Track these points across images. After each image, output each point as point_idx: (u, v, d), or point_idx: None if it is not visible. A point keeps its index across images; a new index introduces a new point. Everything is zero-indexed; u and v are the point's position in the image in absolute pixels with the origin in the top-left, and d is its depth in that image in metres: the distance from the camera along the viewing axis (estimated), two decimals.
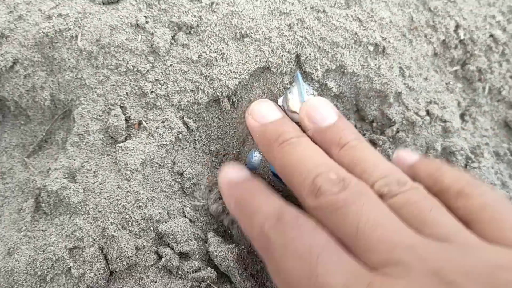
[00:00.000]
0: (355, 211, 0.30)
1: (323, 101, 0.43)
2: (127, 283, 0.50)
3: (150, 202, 0.50)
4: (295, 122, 0.45)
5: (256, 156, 0.53)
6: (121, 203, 0.50)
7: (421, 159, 0.42)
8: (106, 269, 0.49)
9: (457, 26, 0.64)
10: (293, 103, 0.48)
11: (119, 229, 0.49)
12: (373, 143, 0.59)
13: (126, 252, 0.48)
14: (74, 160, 0.54)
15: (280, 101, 0.52)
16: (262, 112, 0.42)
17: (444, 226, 0.31)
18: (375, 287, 0.27)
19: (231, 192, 0.39)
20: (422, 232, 0.31)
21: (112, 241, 0.48)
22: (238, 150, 0.58)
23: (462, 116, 0.66)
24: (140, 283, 0.49)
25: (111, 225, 0.48)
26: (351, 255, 0.30)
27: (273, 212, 0.33)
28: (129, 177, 0.51)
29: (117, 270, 0.49)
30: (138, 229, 0.49)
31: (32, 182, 0.54)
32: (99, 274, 0.48)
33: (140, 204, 0.50)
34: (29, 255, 0.50)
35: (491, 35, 0.66)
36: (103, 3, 0.57)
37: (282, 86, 0.55)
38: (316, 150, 0.38)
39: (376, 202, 0.32)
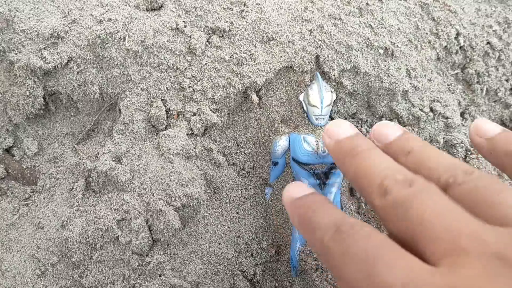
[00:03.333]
0: (420, 204, 0.31)
1: (388, 122, 0.44)
2: (165, 252, 0.57)
3: (190, 181, 0.58)
4: (315, 116, 0.59)
5: (279, 145, 0.61)
6: (165, 181, 0.57)
7: (503, 133, 0.40)
8: (150, 238, 0.56)
9: (458, 34, 0.72)
10: (313, 98, 0.60)
11: (165, 204, 0.56)
12: None
13: (173, 225, 0.55)
14: (120, 145, 0.61)
15: (301, 97, 0.62)
16: (337, 131, 0.43)
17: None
18: (437, 279, 0.27)
19: (294, 209, 0.40)
20: (490, 216, 0.31)
21: (159, 214, 0.55)
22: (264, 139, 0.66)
23: (462, 114, 0.73)
24: (172, 254, 0.57)
25: (159, 200, 0.56)
26: (412, 253, 0.30)
27: (331, 224, 0.34)
28: (172, 159, 0.58)
29: (161, 239, 0.56)
30: (180, 204, 0.56)
31: (83, 165, 0.61)
32: (143, 242, 0.55)
33: (183, 182, 0.57)
34: (82, 227, 0.57)
35: (488, 42, 0.74)
36: (147, 10, 0.65)
37: (303, 83, 0.63)
38: (385, 158, 0.39)
39: (440, 195, 0.33)
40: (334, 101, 0.62)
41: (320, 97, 0.59)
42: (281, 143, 0.60)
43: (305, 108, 0.61)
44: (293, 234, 0.61)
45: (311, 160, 0.58)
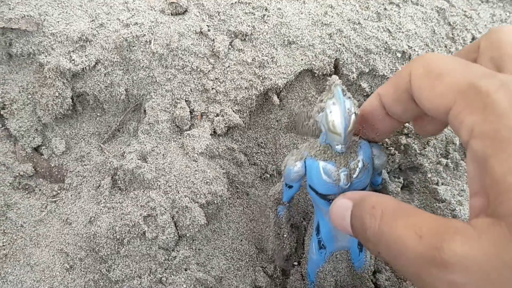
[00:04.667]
0: None
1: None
2: (190, 247, 0.59)
3: (214, 179, 0.60)
4: (336, 142, 0.46)
5: (295, 173, 0.51)
6: (190, 179, 0.59)
7: None
8: (176, 234, 0.58)
9: (473, 38, 0.74)
10: (334, 124, 0.44)
11: (191, 201, 0.58)
12: (400, 135, 0.68)
13: (199, 221, 0.57)
14: (145, 145, 0.63)
15: (318, 117, 0.47)
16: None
17: None
18: None
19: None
20: None
21: (185, 210, 0.57)
22: (280, 142, 0.68)
23: None
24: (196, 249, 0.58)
25: (184, 197, 0.58)
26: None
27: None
28: (196, 158, 0.60)
29: (187, 235, 0.58)
30: (205, 201, 0.58)
31: (109, 163, 0.64)
32: (170, 237, 0.57)
33: (207, 180, 0.59)
34: (109, 222, 0.59)
35: None
36: (172, 14, 0.67)
37: (323, 87, 0.65)
38: None
39: None
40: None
41: (342, 123, 0.44)
42: (297, 171, 0.50)
43: (323, 130, 0.47)
44: (310, 255, 0.58)
45: (330, 191, 0.48)
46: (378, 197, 0.38)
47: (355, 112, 0.44)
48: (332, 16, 0.67)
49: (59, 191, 0.67)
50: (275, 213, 0.59)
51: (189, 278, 0.57)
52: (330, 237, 0.55)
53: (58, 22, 0.66)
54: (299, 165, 0.50)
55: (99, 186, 0.64)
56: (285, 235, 0.60)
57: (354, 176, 0.47)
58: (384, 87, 0.43)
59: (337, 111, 0.44)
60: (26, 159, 0.67)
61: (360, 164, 0.47)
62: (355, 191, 0.44)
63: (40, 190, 0.68)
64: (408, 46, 0.68)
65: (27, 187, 0.67)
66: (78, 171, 0.67)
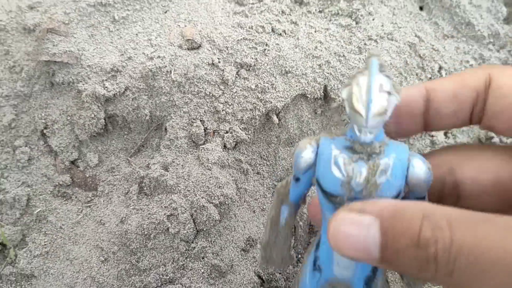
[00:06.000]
0: None
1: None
2: (207, 239, 0.71)
3: (225, 184, 0.72)
4: (358, 126, 0.34)
5: (302, 158, 0.39)
6: (205, 184, 0.72)
7: None
8: (195, 229, 0.70)
9: (440, 68, 0.88)
10: (357, 99, 0.33)
11: (206, 202, 0.70)
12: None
13: (213, 217, 0.69)
14: (167, 157, 0.76)
15: (344, 93, 0.35)
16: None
17: None
18: None
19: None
20: None
21: (202, 209, 0.70)
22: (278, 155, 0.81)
23: (445, 133, 0.88)
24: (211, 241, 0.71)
25: (201, 199, 0.70)
26: None
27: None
28: (210, 167, 0.73)
29: (204, 229, 0.70)
30: (218, 202, 0.71)
31: (136, 173, 0.76)
32: (189, 231, 0.70)
33: (220, 185, 0.72)
34: (138, 221, 0.71)
35: None
36: (188, 49, 0.81)
37: (314, 109, 0.78)
38: None
39: None
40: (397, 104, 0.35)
41: (366, 98, 0.33)
42: (305, 156, 0.38)
43: (347, 111, 0.35)
44: (302, 277, 0.45)
45: (339, 191, 0.36)
46: (426, 205, 0.30)
47: (389, 92, 0.33)
48: (321, 50, 0.81)
49: (93, 198, 0.79)
50: (277, 212, 0.44)
51: (206, 264, 0.69)
52: (330, 258, 0.40)
53: (93, 56, 0.79)
54: (309, 150, 0.38)
55: (128, 192, 0.77)
56: (281, 240, 0.45)
57: (376, 179, 0.34)
58: (440, 82, 0.38)
59: (363, 83, 0.33)
60: (64, 171, 0.80)
61: (385, 165, 0.34)
62: (379, 201, 0.33)
63: (76, 197, 0.80)
64: None
65: (65, 194, 0.79)
66: (109, 180, 0.79)
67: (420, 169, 0.35)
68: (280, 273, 0.73)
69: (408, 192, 0.37)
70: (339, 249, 0.31)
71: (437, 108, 0.38)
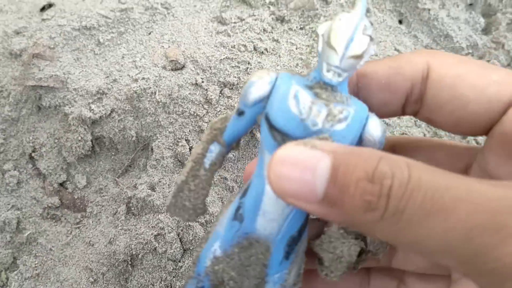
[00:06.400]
0: None
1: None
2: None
3: (211, 203, 0.74)
4: (329, 64, 0.32)
5: (254, 88, 0.35)
6: None
7: None
8: (181, 248, 0.71)
9: None
10: (337, 33, 0.31)
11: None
12: None
13: (199, 235, 0.71)
14: (154, 177, 0.77)
15: (321, 28, 0.33)
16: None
17: None
18: None
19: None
20: None
21: (188, 229, 0.71)
22: None
23: None
24: None
25: None
26: None
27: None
28: None
29: (190, 248, 0.71)
30: (204, 221, 0.72)
31: (124, 193, 0.78)
32: (176, 251, 0.71)
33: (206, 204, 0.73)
34: (126, 242, 0.73)
35: None
36: (172, 70, 0.82)
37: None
38: None
39: None
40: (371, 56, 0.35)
41: (347, 35, 0.31)
42: (260, 85, 0.34)
43: (319, 48, 0.33)
44: (217, 227, 0.39)
45: (291, 128, 0.33)
46: (384, 152, 0.27)
47: (371, 37, 0.32)
48: (302, 67, 0.83)
49: (82, 219, 0.80)
50: (204, 150, 0.38)
51: None
52: (257, 206, 0.36)
53: (79, 79, 0.81)
54: (266, 79, 0.34)
55: (116, 212, 0.78)
56: (198, 186, 0.39)
57: (333, 123, 0.32)
58: (373, 66, 0.36)
59: (347, 20, 0.32)
60: (53, 193, 0.81)
61: (346, 113, 0.32)
62: (333, 142, 0.31)
63: (65, 219, 0.81)
64: None
65: (54, 216, 0.80)
66: (98, 201, 0.81)
67: (376, 127, 0.34)
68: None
69: None
70: (280, 183, 0.28)
71: (366, 96, 0.36)
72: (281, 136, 0.33)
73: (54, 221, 0.80)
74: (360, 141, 0.34)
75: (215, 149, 0.38)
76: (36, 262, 0.77)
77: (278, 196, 0.29)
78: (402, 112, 0.38)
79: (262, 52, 0.84)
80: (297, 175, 0.27)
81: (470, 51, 0.96)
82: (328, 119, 0.32)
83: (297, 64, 0.83)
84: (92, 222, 0.80)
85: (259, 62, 0.83)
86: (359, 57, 0.31)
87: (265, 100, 0.34)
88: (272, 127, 0.33)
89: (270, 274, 0.37)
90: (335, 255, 0.37)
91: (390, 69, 0.35)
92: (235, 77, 0.81)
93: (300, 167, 0.27)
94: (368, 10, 0.27)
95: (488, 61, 0.96)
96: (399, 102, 0.36)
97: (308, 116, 0.32)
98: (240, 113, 0.37)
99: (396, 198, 0.25)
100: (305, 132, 0.32)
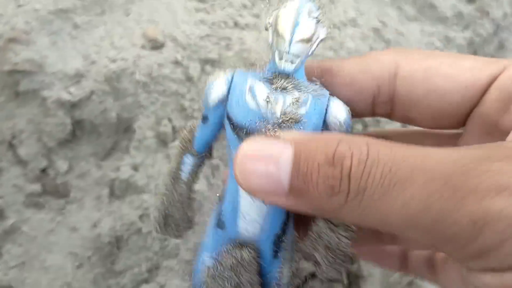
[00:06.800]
0: None
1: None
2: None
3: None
4: (280, 52, 0.32)
5: (213, 90, 0.35)
6: None
7: None
8: None
9: None
10: (282, 21, 0.32)
11: None
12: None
13: None
14: (136, 158, 0.76)
15: (270, 18, 0.34)
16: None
17: None
18: None
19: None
20: None
21: None
22: None
23: None
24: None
25: None
26: None
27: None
28: None
29: None
30: None
31: (107, 176, 0.76)
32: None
33: None
34: (110, 224, 0.71)
35: None
36: (151, 49, 0.81)
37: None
38: None
39: None
40: (322, 40, 0.34)
41: (292, 21, 0.31)
42: (217, 87, 0.34)
43: (270, 41, 0.34)
44: (205, 239, 0.40)
45: (251, 122, 0.32)
46: (344, 135, 0.27)
47: (318, 20, 0.32)
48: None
49: (65, 205, 0.79)
50: (178, 163, 0.38)
51: (180, 260, 0.69)
52: (235, 209, 0.35)
53: (56, 62, 0.79)
54: (222, 79, 0.34)
55: (100, 196, 0.76)
56: (179, 200, 0.40)
57: (293, 110, 0.31)
58: (339, 63, 0.36)
59: (291, 6, 0.32)
60: (35, 180, 0.79)
61: (303, 99, 0.32)
62: (291, 132, 0.31)
63: (49, 205, 0.79)
64: None
65: (37, 203, 0.78)
66: (81, 186, 0.79)
67: (339, 109, 0.33)
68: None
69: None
70: (246, 180, 0.27)
71: (330, 92, 0.35)
72: (245, 133, 0.32)
73: (37, 208, 0.78)
74: (326, 127, 0.33)
75: (188, 160, 0.38)
76: (21, 250, 0.75)
77: (247, 193, 0.29)
78: (372, 112, 0.37)
79: (243, 28, 0.83)
80: (262, 168, 0.27)
81: (455, 21, 0.94)
82: (285, 107, 0.31)
83: None
84: (76, 207, 0.78)
85: (240, 38, 0.81)
86: (308, 40, 0.32)
87: (224, 100, 0.34)
88: (234, 126, 0.33)
89: (263, 275, 0.36)
90: (328, 250, 0.34)
91: (356, 67, 0.35)
92: (216, 53, 0.79)
93: (264, 160, 0.27)
94: None
95: (474, 30, 0.94)
96: (365, 102, 0.36)
97: (266, 108, 0.31)
98: (204, 118, 0.36)
99: (356, 178, 0.24)
100: (264, 123, 0.31)
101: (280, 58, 0.32)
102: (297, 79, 0.33)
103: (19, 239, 0.76)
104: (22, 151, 0.78)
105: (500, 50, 0.96)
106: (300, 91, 0.32)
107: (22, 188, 0.78)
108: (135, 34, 0.82)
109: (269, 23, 0.33)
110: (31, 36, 0.80)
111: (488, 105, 0.32)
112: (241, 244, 0.35)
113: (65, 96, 0.76)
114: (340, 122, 0.33)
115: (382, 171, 0.24)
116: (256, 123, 0.31)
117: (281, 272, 0.36)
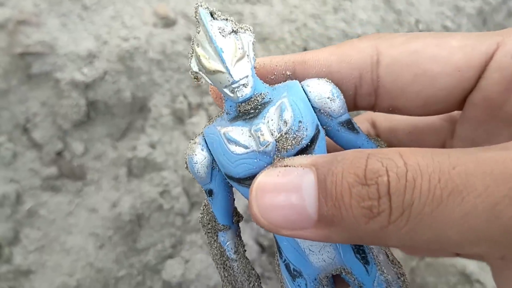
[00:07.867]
0: None
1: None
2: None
3: None
4: (225, 85, 0.29)
5: (196, 164, 0.33)
6: None
7: None
8: (188, 202, 0.69)
9: (417, 21, 0.87)
10: (206, 58, 0.29)
11: None
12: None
13: None
14: (153, 136, 0.75)
15: (193, 64, 0.30)
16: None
17: None
18: None
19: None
20: None
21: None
22: None
23: None
24: None
25: None
26: None
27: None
28: None
29: (197, 201, 0.69)
30: None
31: (124, 156, 0.75)
32: (184, 205, 0.69)
33: None
34: (130, 203, 0.70)
35: (443, 26, 0.90)
36: (163, 26, 0.80)
37: None
38: None
39: None
40: (254, 41, 0.31)
41: (214, 49, 0.28)
42: (198, 158, 0.32)
43: (210, 83, 0.30)
44: None
45: (252, 167, 0.30)
46: (370, 149, 0.24)
47: (235, 31, 0.30)
48: (297, 14, 0.81)
49: (83, 187, 0.78)
50: (217, 247, 0.36)
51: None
52: (299, 250, 0.33)
53: (67, 44, 0.78)
54: (198, 150, 0.32)
55: (118, 176, 0.76)
56: (235, 270, 0.37)
57: (279, 124, 0.29)
58: (314, 55, 0.33)
59: (200, 38, 0.29)
60: (51, 163, 0.78)
61: (282, 105, 0.30)
62: (308, 155, 0.28)
63: (66, 188, 0.78)
64: (362, 32, 0.81)
65: (54, 187, 0.78)
66: (97, 168, 0.78)
67: (318, 86, 0.31)
68: None
69: (330, 122, 0.31)
70: (266, 215, 0.25)
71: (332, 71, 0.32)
72: (251, 179, 0.29)
73: (54, 191, 0.78)
74: (320, 114, 0.31)
75: (224, 238, 0.35)
76: (39, 234, 0.74)
77: (269, 231, 0.26)
78: (354, 106, 0.34)
79: (254, 3, 0.82)
80: (283, 200, 0.24)
81: None
82: (271, 126, 0.29)
83: (291, 11, 0.81)
84: (94, 188, 0.77)
85: (252, 13, 0.80)
86: (241, 55, 0.29)
87: (212, 163, 0.32)
88: (239, 180, 0.31)
89: (366, 285, 0.33)
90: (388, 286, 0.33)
91: (332, 57, 0.32)
92: None
93: (284, 191, 0.24)
94: (212, 13, 0.28)
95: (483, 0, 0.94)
96: (346, 94, 0.32)
97: (256, 144, 0.29)
98: (210, 193, 0.34)
99: (398, 194, 0.21)
100: (268, 159, 0.29)
101: (232, 91, 0.29)
102: (259, 92, 0.30)
103: (37, 223, 0.75)
104: (37, 135, 0.77)
105: (509, 18, 0.95)
106: (271, 100, 0.30)
107: (38, 172, 0.77)
108: (145, 12, 0.82)
109: (194, 71, 0.30)
110: (40, 19, 0.79)
111: (489, 88, 0.29)
112: (328, 275, 0.33)
113: (79, 77, 0.75)
114: (329, 97, 0.31)
115: (429, 182, 0.21)
116: (258, 164, 0.29)
117: (382, 273, 0.33)
